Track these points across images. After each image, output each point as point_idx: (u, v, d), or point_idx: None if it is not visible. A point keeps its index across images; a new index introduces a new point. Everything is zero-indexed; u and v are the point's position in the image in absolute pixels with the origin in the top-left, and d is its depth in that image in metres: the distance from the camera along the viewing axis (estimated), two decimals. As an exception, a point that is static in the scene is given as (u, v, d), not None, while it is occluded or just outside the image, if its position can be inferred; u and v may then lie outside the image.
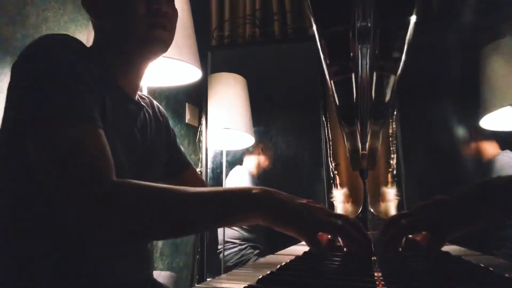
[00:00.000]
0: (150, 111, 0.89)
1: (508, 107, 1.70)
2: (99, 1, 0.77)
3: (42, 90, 0.62)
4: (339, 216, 0.64)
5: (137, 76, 0.82)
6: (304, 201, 0.64)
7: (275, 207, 0.62)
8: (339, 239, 0.64)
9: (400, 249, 0.62)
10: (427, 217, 0.61)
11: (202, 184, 1.05)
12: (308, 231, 0.61)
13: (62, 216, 0.63)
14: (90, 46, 0.81)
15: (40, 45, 0.66)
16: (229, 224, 0.77)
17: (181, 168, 0.99)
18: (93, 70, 0.69)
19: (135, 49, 0.78)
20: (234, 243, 2.18)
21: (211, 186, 2.30)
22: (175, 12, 0.81)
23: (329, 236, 0.81)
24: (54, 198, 0.61)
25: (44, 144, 0.61)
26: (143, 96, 0.92)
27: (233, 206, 0.64)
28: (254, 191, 0.63)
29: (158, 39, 0.77)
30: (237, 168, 2.35)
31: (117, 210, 0.60)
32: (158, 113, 0.93)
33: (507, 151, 1.96)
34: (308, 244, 0.62)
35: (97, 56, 0.77)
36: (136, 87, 0.83)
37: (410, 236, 0.80)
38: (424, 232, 0.71)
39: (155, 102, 0.95)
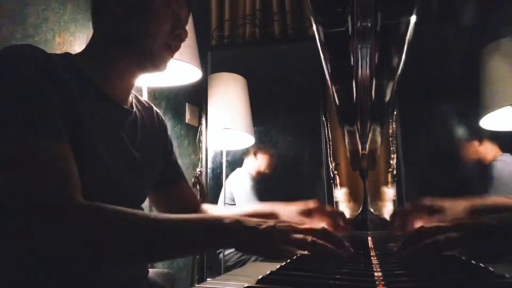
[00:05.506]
0: (145, 116, 0.88)
1: (508, 107, 1.70)
2: (130, 2, 0.76)
3: (1, 107, 0.61)
4: (308, 230, 0.65)
5: (128, 83, 0.81)
6: (272, 223, 0.65)
7: (247, 237, 0.64)
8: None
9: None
10: (467, 238, 0.58)
11: (194, 198, 1.02)
12: (283, 254, 0.63)
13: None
14: (83, 49, 0.80)
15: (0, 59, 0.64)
16: (201, 252, 0.80)
17: (174, 179, 0.96)
18: (62, 79, 0.67)
19: (139, 58, 0.78)
20: (234, 243, 2.17)
21: (212, 186, 2.30)
22: None
23: None
24: (17, 218, 0.60)
25: (5, 164, 0.59)
26: (144, 102, 0.92)
27: (204, 236, 0.65)
28: (225, 221, 0.65)
29: (164, 60, 0.80)
30: (238, 170, 2.35)
31: (78, 233, 0.59)
32: (156, 120, 0.92)
33: (506, 154, 1.96)
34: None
35: (84, 60, 0.76)
36: (125, 93, 0.82)
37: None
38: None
39: (155, 109, 0.94)
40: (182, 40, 0.81)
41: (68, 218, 0.59)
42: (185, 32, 0.82)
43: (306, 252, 0.67)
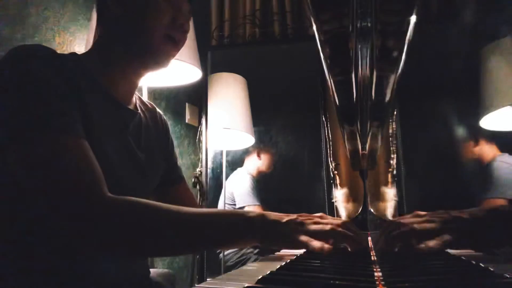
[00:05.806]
0: (149, 117, 0.88)
1: (508, 107, 1.70)
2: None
3: (18, 105, 0.60)
4: (327, 222, 0.67)
5: (132, 84, 0.81)
6: (294, 216, 0.67)
7: (270, 230, 0.65)
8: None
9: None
10: (443, 228, 0.61)
11: (193, 201, 1.02)
12: (304, 244, 0.64)
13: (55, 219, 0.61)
14: (89, 49, 0.80)
15: (12, 58, 0.64)
16: (226, 247, 0.81)
17: (174, 181, 0.96)
18: (73, 79, 0.67)
19: (141, 54, 0.77)
20: (234, 243, 2.17)
21: (212, 186, 2.30)
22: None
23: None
24: (41, 214, 0.60)
25: (28, 161, 0.59)
26: (147, 104, 0.92)
27: (230, 230, 0.66)
28: (250, 214, 0.66)
29: (167, 55, 0.79)
30: (238, 170, 2.35)
31: (111, 228, 0.59)
32: (159, 121, 0.92)
33: (505, 154, 1.96)
34: (312, 249, 0.64)
35: (90, 61, 0.76)
36: (129, 94, 0.82)
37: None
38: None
39: (158, 111, 0.94)
40: (185, 31, 0.80)
41: (101, 212, 0.59)
42: (188, 23, 0.81)
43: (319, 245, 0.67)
